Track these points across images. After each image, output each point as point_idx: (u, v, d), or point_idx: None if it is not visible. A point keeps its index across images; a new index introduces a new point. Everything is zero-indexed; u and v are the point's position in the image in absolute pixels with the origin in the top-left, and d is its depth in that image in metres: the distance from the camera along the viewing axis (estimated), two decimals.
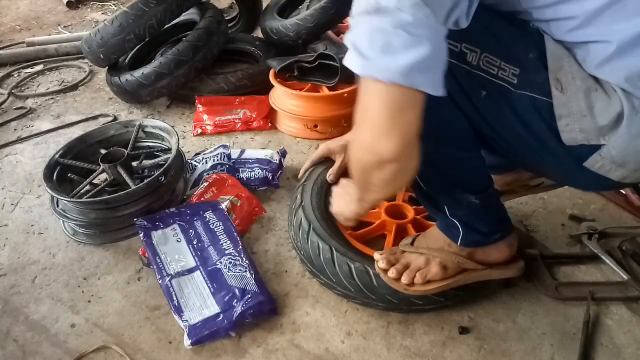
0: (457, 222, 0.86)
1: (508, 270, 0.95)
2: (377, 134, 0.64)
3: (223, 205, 1.16)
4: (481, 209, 0.85)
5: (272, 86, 1.63)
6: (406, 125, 0.64)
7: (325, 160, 1.21)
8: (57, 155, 1.26)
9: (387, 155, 0.65)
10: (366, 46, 0.60)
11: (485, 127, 0.75)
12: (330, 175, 1.13)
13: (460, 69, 0.70)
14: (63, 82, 2.07)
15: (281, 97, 1.62)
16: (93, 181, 1.25)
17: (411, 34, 0.58)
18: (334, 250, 0.98)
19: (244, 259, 1.04)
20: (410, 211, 1.12)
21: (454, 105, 0.74)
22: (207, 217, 1.13)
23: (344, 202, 0.91)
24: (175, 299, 0.97)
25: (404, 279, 0.90)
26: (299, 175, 1.23)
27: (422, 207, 1.07)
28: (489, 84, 0.70)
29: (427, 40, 0.58)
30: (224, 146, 1.41)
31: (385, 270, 0.91)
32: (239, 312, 0.93)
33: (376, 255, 0.94)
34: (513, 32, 0.70)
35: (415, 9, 0.56)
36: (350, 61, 0.62)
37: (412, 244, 0.95)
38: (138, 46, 1.76)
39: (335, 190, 0.98)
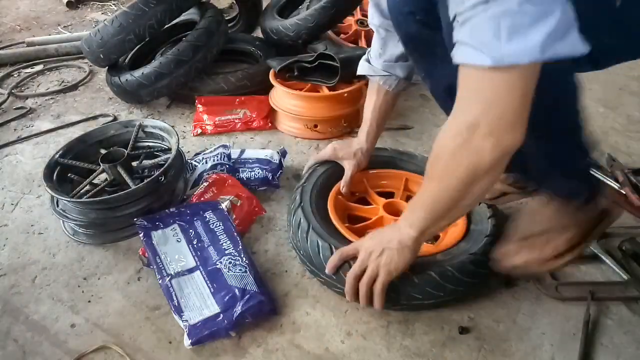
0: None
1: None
2: (503, 129, 0.61)
3: (223, 205, 1.16)
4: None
5: (272, 86, 1.63)
6: (527, 110, 0.62)
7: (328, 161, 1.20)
8: (57, 155, 1.26)
9: (512, 147, 0.62)
10: (491, 35, 0.58)
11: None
12: (344, 187, 1.07)
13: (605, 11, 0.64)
14: (63, 82, 2.07)
15: (281, 97, 1.62)
16: (93, 181, 1.25)
17: (536, 5, 0.56)
18: (334, 248, 0.98)
19: (244, 259, 1.04)
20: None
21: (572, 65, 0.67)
22: (207, 217, 1.13)
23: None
24: (175, 299, 0.97)
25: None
26: (303, 173, 1.20)
27: None
28: None
29: (553, 4, 0.56)
30: (224, 146, 1.41)
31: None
32: (239, 312, 0.93)
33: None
34: None
35: None
36: (471, 57, 0.59)
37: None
38: (138, 46, 1.76)
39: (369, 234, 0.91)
